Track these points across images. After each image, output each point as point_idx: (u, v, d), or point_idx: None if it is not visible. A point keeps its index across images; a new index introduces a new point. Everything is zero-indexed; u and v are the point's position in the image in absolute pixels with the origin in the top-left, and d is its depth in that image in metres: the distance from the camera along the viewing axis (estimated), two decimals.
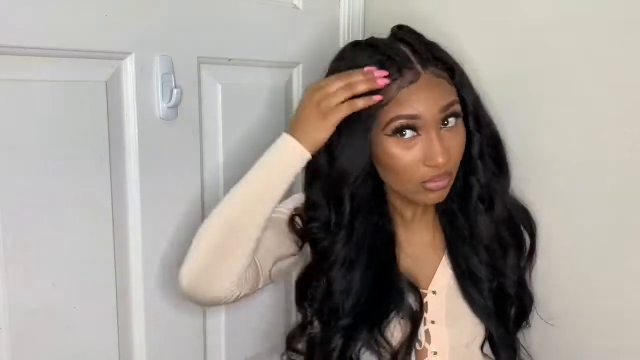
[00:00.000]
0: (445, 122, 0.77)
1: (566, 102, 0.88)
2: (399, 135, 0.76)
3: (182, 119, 0.84)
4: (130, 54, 0.77)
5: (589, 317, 0.90)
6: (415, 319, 0.83)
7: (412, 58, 0.77)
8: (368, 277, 0.82)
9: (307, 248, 0.84)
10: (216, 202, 0.91)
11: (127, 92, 0.78)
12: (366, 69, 0.75)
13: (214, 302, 0.76)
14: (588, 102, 0.86)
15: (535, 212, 0.92)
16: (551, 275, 0.93)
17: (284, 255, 0.82)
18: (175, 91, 0.80)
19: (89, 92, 0.74)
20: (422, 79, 0.76)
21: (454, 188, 0.83)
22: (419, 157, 0.76)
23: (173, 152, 0.84)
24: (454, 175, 0.80)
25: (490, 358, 0.86)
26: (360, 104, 0.74)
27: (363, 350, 0.82)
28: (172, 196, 0.85)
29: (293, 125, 0.77)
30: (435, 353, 0.84)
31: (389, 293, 0.83)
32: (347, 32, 1.09)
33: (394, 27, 0.84)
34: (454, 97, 0.78)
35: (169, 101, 0.81)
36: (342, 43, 1.08)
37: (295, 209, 0.85)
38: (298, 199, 0.86)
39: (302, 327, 0.86)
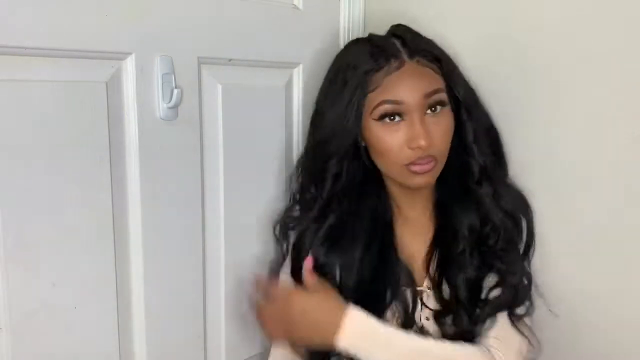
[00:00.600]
0: (433, 109, 0.82)
1: (564, 102, 0.89)
2: (385, 119, 0.81)
3: (182, 119, 0.84)
4: (130, 54, 0.77)
5: (586, 314, 0.91)
6: (408, 309, 0.86)
7: (400, 48, 0.83)
8: (368, 259, 0.87)
9: None
10: (216, 202, 0.91)
11: (127, 92, 0.78)
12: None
13: None
14: (587, 102, 0.86)
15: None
16: (546, 273, 0.93)
17: None
18: (175, 91, 0.80)
19: (89, 92, 0.74)
20: (407, 66, 0.82)
21: (449, 177, 0.87)
22: (403, 140, 0.81)
23: (173, 152, 0.84)
24: (440, 161, 0.84)
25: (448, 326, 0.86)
26: None
27: None
28: (172, 196, 0.85)
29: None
30: None
31: (387, 278, 0.86)
32: (347, 32, 1.09)
33: (392, 25, 0.89)
34: (439, 85, 0.83)
35: (169, 101, 0.81)
36: (342, 43, 1.08)
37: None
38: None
39: None
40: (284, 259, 0.95)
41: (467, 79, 0.88)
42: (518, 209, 0.90)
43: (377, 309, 0.84)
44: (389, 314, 0.86)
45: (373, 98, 0.81)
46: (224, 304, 0.96)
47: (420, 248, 0.91)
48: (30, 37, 0.67)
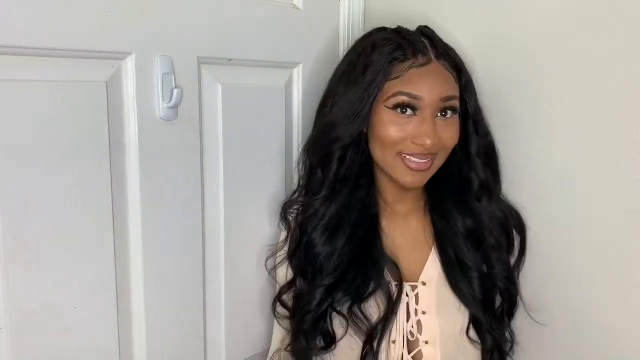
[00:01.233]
0: (444, 113, 0.83)
1: (563, 105, 0.89)
2: (398, 110, 0.82)
3: (182, 119, 0.84)
4: (130, 54, 0.77)
5: (582, 318, 0.91)
6: (390, 302, 0.86)
7: (429, 47, 0.84)
8: (351, 249, 0.88)
9: None
10: (216, 202, 0.91)
11: (127, 92, 0.78)
12: None
13: None
14: (585, 105, 0.86)
15: (530, 213, 0.93)
16: (545, 276, 0.93)
17: None
18: (175, 91, 0.80)
19: (89, 92, 0.74)
20: (432, 65, 0.83)
21: (448, 186, 0.89)
22: (409, 134, 0.82)
23: (173, 152, 0.84)
24: (436, 165, 0.85)
25: (478, 343, 0.88)
26: None
27: (339, 319, 0.86)
28: (172, 196, 0.85)
29: None
30: (427, 342, 0.87)
31: (370, 269, 0.87)
32: (347, 32, 1.09)
33: (420, 25, 0.90)
34: (455, 93, 0.84)
35: (169, 101, 0.81)
36: (342, 43, 1.08)
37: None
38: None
39: (290, 284, 0.92)
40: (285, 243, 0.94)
41: (478, 93, 0.90)
42: (513, 226, 0.92)
43: (357, 295, 0.86)
44: (371, 302, 0.87)
45: (392, 86, 0.82)
46: (224, 304, 0.96)
47: (413, 245, 0.91)
48: (30, 37, 0.67)
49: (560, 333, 0.93)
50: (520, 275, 0.94)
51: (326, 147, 0.88)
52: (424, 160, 0.83)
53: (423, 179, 0.85)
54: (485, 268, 0.90)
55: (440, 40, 0.87)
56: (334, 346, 0.87)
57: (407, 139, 0.82)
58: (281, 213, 0.95)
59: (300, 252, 0.90)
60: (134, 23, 0.77)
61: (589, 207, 0.88)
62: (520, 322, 0.95)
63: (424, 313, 0.87)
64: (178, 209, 0.86)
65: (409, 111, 0.82)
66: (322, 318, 0.86)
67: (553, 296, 0.93)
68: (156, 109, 0.81)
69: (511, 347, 0.94)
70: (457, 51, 0.88)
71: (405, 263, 0.90)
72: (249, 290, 0.98)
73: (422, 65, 0.82)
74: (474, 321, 0.88)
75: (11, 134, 0.68)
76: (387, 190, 0.91)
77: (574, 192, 0.89)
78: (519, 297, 0.93)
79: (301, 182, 0.95)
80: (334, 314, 0.87)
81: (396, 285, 0.87)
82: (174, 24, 0.82)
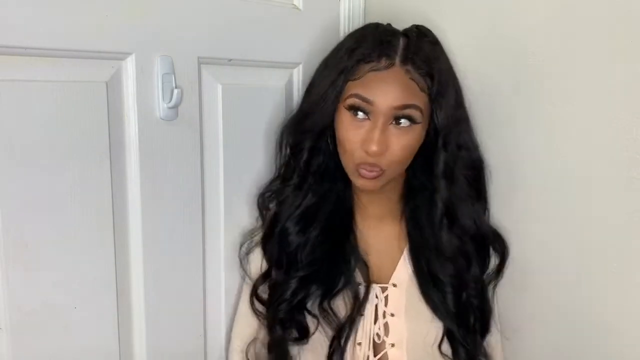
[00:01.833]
0: (399, 121, 0.80)
1: (563, 105, 0.89)
2: (352, 111, 0.81)
3: (182, 119, 0.84)
4: (130, 54, 0.77)
5: (582, 318, 0.91)
6: (358, 301, 0.85)
7: (398, 50, 0.80)
8: (324, 241, 0.87)
9: None
10: (216, 202, 0.91)
11: (127, 92, 0.78)
12: None
13: None
14: (585, 105, 0.86)
15: (529, 213, 0.93)
16: (545, 276, 0.93)
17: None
18: (175, 91, 0.80)
19: (89, 92, 0.74)
20: (392, 70, 0.79)
21: (423, 198, 0.88)
22: (361, 138, 0.80)
23: (173, 152, 0.84)
24: (388, 174, 0.83)
25: (448, 357, 0.87)
26: None
27: (310, 305, 0.86)
28: (172, 196, 0.85)
29: None
30: (393, 345, 0.86)
31: (341, 264, 0.87)
32: (347, 32, 1.08)
33: (415, 24, 0.87)
34: (416, 102, 0.79)
35: (169, 101, 0.81)
36: None
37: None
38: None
39: (264, 276, 0.91)
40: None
41: (463, 107, 0.86)
42: (492, 246, 0.91)
43: (327, 290, 0.85)
44: (339, 300, 0.86)
45: (351, 87, 0.81)
46: (224, 304, 0.96)
47: (385, 247, 0.91)
48: (30, 37, 0.67)
49: (560, 333, 0.93)
50: (519, 276, 0.94)
51: (298, 134, 0.88)
52: (370, 171, 0.81)
53: (374, 185, 0.83)
54: (459, 283, 0.87)
55: (419, 43, 0.82)
56: (306, 340, 0.86)
57: (359, 144, 0.80)
58: (258, 199, 0.94)
59: (274, 239, 0.90)
60: (134, 23, 0.77)
61: (589, 207, 0.88)
62: (519, 321, 0.95)
63: (392, 315, 0.87)
64: (178, 209, 0.86)
65: (361, 114, 0.80)
66: (297, 308, 0.86)
67: (553, 296, 0.93)
68: (156, 109, 0.81)
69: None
70: (450, 56, 0.85)
71: (377, 264, 0.89)
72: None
73: (384, 69, 0.79)
74: (447, 334, 0.86)
75: (11, 134, 0.68)
76: (359, 189, 0.90)
77: (573, 192, 0.89)
78: (492, 315, 0.91)
79: (280, 170, 0.94)
80: (306, 312, 0.86)
81: (365, 286, 0.87)
82: (174, 24, 0.82)
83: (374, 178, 0.82)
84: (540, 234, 0.93)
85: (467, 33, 0.96)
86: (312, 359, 0.87)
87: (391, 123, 0.80)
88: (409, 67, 0.79)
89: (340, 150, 0.85)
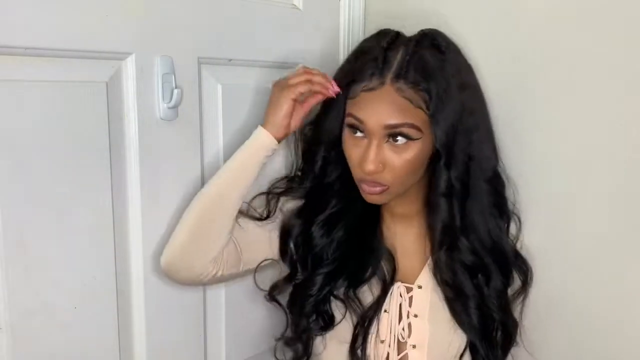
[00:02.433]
0: (395, 139, 0.79)
1: (563, 104, 0.88)
2: (352, 129, 0.82)
3: (182, 119, 0.84)
4: (130, 54, 0.77)
5: (582, 318, 0.91)
6: (385, 285, 0.87)
7: (392, 67, 0.79)
8: (350, 238, 0.88)
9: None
10: None
11: (127, 92, 0.78)
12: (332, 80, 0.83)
13: (192, 277, 0.84)
14: (585, 105, 0.86)
15: (529, 212, 0.92)
16: (544, 276, 0.93)
17: (262, 250, 0.90)
18: (175, 91, 0.80)
19: (89, 92, 0.74)
20: (383, 90, 0.78)
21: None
22: (359, 156, 0.81)
23: (173, 152, 0.84)
24: (393, 190, 0.82)
25: None
26: (317, 87, 0.81)
27: (336, 302, 0.87)
28: (172, 196, 0.85)
29: (264, 117, 0.85)
30: (414, 346, 0.86)
31: (368, 256, 0.88)
32: (347, 32, 1.09)
33: (424, 29, 0.85)
34: (410, 120, 0.78)
35: (169, 101, 0.81)
36: (342, 43, 1.08)
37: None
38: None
39: (287, 279, 0.91)
40: (267, 216, 0.90)
41: (477, 114, 0.84)
42: (514, 268, 0.91)
43: (353, 280, 0.86)
44: (366, 290, 0.87)
45: (349, 105, 0.81)
46: (224, 304, 0.96)
47: (413, 248, 0.90)
48: (30, 37, 0.67)
49: (560, 333, 0.93)
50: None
51: (310, 145, 0.90)
52: (372, 187, 0.82)
53: (380, 199, 0.84)
54: (482, 298, 0.87)
55: (422, 54, 0.80)
56: (331, 326, 0.86)
57: (357, 160, 0.81)
58: (273, 191, 0.92)
59: (297, 244, 0.90)
60: (134, 23, 0.77)
61: (589, 207, 0.88)
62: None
63: (415, 316, 0.87)
64: (178, 209, 0.86)
65: (359, 133, 0.81)
66: (323, 302, 0.87)
67: (552, 296, 0.93)
68: (156, 109, 0.81)
69: None
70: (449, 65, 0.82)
71: (403, 263, 0.90)
72: (249, 290, 0.98)
73: (373, 89, 0.78)
74: (470, 346, 0.86)
75: (11, 134, 0.68)
76: None
77: (573, 191, 0.89)
78: (517, 331, 0.91)
79: (299, 165, 0.95)
80: (332, 298, 0.87)
81: (390, 281, 0.87)
82: (174, 24, 0.82)
83: (379, 193, 0.82)
84: (539, 233, 0.93)
85: (466, 32, 0.95)
86: (337, 348, 0.87)
87: (387, 141, 0.79)
88: (401, 85, 0.78)
89: (349, 164, 0.85)
